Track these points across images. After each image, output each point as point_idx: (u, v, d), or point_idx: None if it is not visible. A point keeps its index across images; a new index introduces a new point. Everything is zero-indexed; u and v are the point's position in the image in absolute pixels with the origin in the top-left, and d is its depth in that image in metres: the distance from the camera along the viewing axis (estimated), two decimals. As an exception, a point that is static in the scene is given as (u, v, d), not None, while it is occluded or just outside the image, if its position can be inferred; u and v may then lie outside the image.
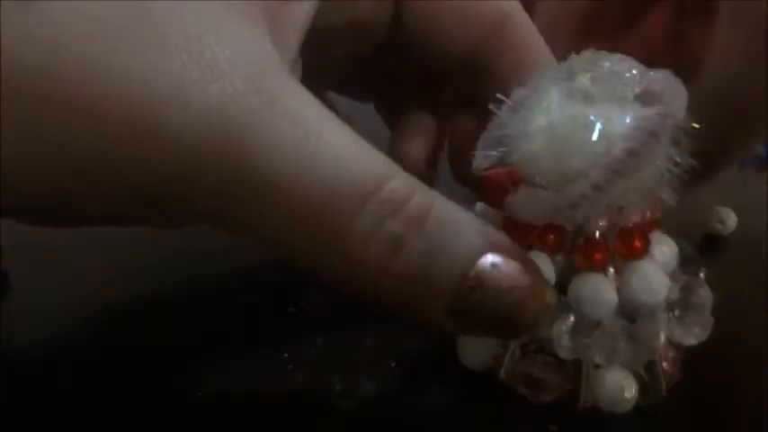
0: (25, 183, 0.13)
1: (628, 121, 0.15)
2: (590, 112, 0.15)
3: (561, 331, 0.17)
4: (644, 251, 0.17)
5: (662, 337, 0.18)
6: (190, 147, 0.13)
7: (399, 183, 0.14)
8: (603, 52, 0.16)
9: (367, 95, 0.26)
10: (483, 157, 0.17)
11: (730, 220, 0.29)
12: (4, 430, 0.17)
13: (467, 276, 0.14)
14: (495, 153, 0.17)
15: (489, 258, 0.14)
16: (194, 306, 0.23)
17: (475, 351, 0.18)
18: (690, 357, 0.19)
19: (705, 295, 0.19)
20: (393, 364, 0.20)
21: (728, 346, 0.21)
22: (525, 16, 0.22)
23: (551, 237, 0.17)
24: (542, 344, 0.17)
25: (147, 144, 0.13)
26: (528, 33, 0.22)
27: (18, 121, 0.13)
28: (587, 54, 0.16)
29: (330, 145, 0.13)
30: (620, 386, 0.17)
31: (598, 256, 0.17)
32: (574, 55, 0.17)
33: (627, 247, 0.17)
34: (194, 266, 0.25)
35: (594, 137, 0.15)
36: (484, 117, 0.18)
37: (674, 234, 0.19)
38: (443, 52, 0.21)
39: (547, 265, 0.17)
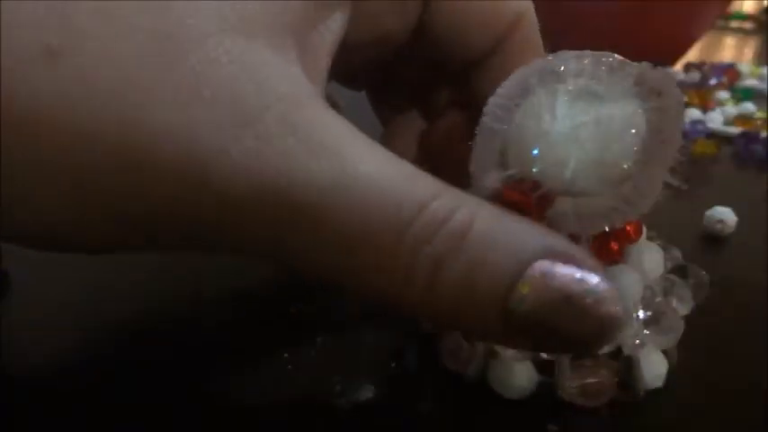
0: (83, 234, 0.14)
1: (647, 114, 0.15)
2: (617, 111, 0.15)
3: None
4: (619, 255, 0.17)
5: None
6: (233, 197, 0.13)
7: (441, 202, 0.13)
8: (588, 51, 0.16)
9: (365, 88, 0.26)
10: (492, 177, 0.16)
11: (730, 220, 0.29)
12: (3, 431, 0.17)
13: (512, 288, 0.13)
14: (512, 172, 0.16)
15: (540, 266, 0.13)
16: (194, 306, 0.23)
17: (514, 381, 0.18)
18: (690, 357, 0.19)
19: (683, 297, 0.19)
20: (393, 364, 0.20)
21: (729, 347, 0.21)
22: (535, 16, 0.21)
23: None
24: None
25: (192, 198, 0.13)
26: (535, 34, 0.22)
27: (67, 177, 0.13)
28: (566, 54, 0.16)
29: (368, 175, 0.13)
30: (657, 363, 0.18)
31: (614, 246, 0.17)
32: (550, 56, 0.17)
33: (605, 251, 0.17)
34: (195, 266, 0.25)
35: (632, 134, 0.15)
36: (472, 119, 0.17)
37: (673, 234, 0.19)
38: (461, 53, 0.21)
39: None
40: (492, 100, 0.17)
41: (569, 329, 0.13)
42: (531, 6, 0.21)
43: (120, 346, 0.20)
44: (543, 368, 0.18)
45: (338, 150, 0.13)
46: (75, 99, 0.13)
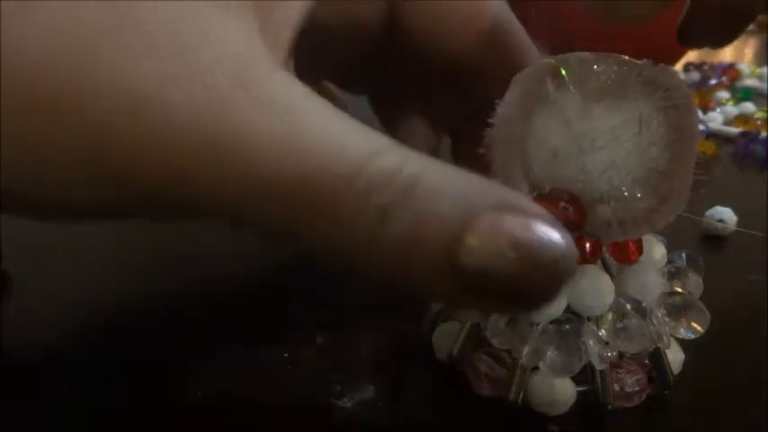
0: (27, 193, 0.14)
1: (663, 111, 0.16)
2: (639, 111, 0.15)
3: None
4: (636, 255, 0.17)
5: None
6: (178, 147, 0.13)
7: (389, 156, 0.13)
8: (592, 53, 0.16)
9: (364, 90, 0.26)
10: (522, 191, 0.16)
11: (730, 220, 0.29)
12: (4, 430, 0.17)
13: (459, 238, 0.12)
14: (548, 186, 0.16)
15: (488, 218, 0.12)
16: (194, 305, 0.23)
17: (557, 398, 0.17)
18: (690, 358, 0.19)
19: (695, 286, 0.19)
20: (393, 364, 0.20)
21: (728, 346, 0.21)
22: (514, 18, 0.21)
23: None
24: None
25: (135, 148, 0.13)
26: (521, 36, 0.21)
27: (15, 139, 0.13)
28: (572, 56, 0.16)
29: (317, 128, 0.13)
30: (676, 350, 0.18)
31: (632, 247, 0.17)
32: (553, 59, 0.16)
33: (622, 252, 0.17)
34: (194, 266, 0.25)
35: (662, 133, 0.15)
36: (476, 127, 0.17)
37: (673, 234, 0.19)
38: (438, 53, 0.21)
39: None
40: (502, 108, 0.16)
41: (522, 281, 0.12)
42: (505, 6, 0.21)
43: (121, 345, 0.20)
44: (578, 379, 0.18)
45: (289, 105, 0.13)
46: (40, 45, 0.13)
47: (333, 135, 0.13)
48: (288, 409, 0.18)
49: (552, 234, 0.12)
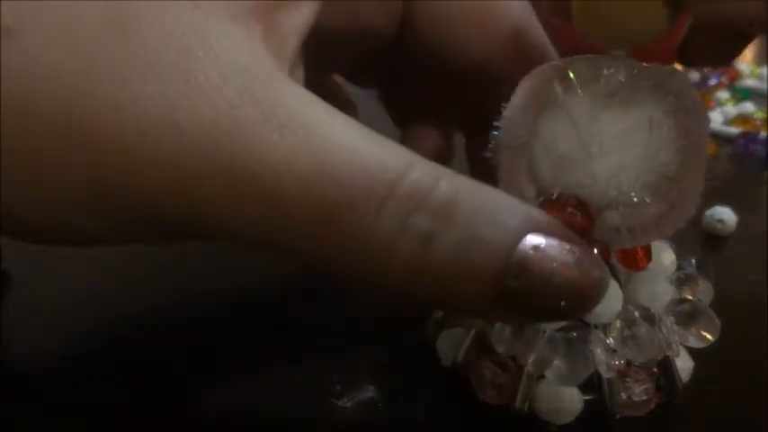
0: (27, 215, 0.13)
1: (673, 116, 0.15)
2: (648, 115, 0.15)
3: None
4: (645, 263, 0.17)
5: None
6: (189, 172, 0.12)
7: (420, 173, 0.13)
8: (595, 54, 0.16)
9: (374, 84, 0.25)
10: (528, 197, 0.16)
11: (730, 220, 0.29)
12: (4, 430, 0.17)
13: (507, 263, 0.13)
14: (555, 192, 0.15)
15: (530, 240, 0.13)
16: (195, 305, 0.23)
17: (563, 407, 0.17)
18: (695, 362, 0.19)
19: (705, 293, 0.19)
20: (394, 365, 0.20)
21: (728, 346, 0.21)
22: (537, 21, 0.21)
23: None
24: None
25: (144, 176, 0.12)
26: (541, 37, 0.21)
27: (15, 156, 0.12)
28: (578, 58, 0.16)
29: (339, 145, 0.13)
30: (685, 358, 0.18)
31: (641, 254, 0.17)
32: (560, 61, 0.16)
33: (631, 259, 0.17)
34: (195, 266, 0.25)
35: (672, 138, 0.15)
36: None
37: (673, 234, 0.19)
38: (455, 57, 0.21)
39: None
40: (508, 111, 0.16)
41: (563, 299, 0.13)
42: (529, 8, 0.21)
43: (121, 345, 0.20)
44: (585, 387, 0.17)
45: (305, 121, 0.13)
46: (28, 75, 0.12)
47: (357, 153, 0.13)
48: (288, 409, 0.18)
49: (591, 257, 0.13)
